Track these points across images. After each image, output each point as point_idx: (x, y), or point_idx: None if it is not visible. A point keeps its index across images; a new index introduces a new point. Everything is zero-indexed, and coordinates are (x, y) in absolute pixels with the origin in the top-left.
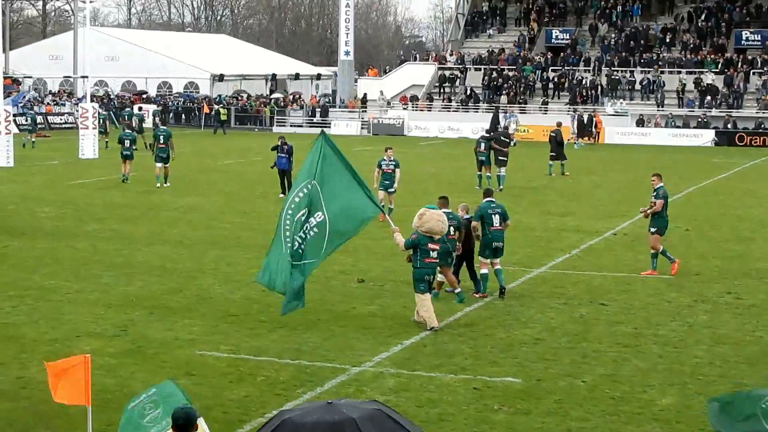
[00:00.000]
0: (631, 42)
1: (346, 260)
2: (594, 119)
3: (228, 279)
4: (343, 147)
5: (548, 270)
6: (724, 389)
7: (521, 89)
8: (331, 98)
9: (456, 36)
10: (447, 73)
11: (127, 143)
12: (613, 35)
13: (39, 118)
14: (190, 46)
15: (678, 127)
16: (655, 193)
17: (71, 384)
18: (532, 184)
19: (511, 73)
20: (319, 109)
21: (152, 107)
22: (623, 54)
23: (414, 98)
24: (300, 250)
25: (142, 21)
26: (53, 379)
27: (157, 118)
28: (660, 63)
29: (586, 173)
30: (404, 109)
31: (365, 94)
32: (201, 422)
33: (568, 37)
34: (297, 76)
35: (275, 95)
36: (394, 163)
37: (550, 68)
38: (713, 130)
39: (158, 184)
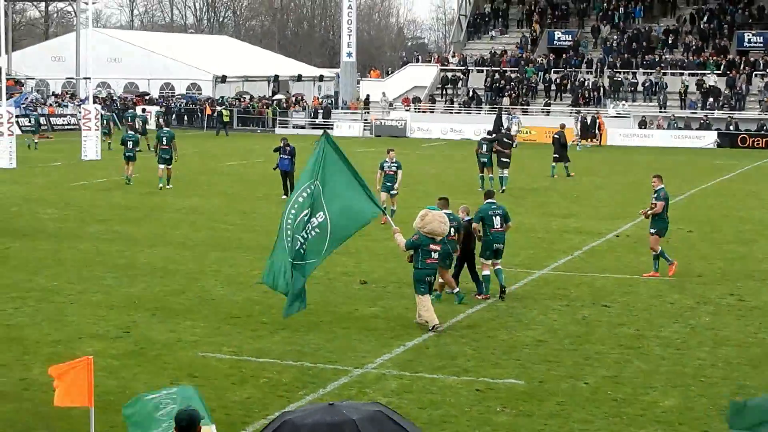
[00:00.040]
0: (634, 44)
1: (349, 262)
2: (597, 121)
3: (230, 281)
4: (345, 148)
5: (550, 272)
6: (726, 391)
7: (523, 91)
8: (333, 100)
9: (458, 37)
10: (449, 74)
11: (130, 145)
12: (615, 37)
13: (42, 120)
14: (193, 48)
15: (680, 128)
16: (655, 195)
17: (74, 385)
18: (534, 185)
19: (513, 75)
20: (322, 111)
21: (155, 109)
22: (625, 55)
23: (416, 100)
24: (302, 250)
25: (144, 22)
26: (57, 381)
27: (161, 119)
28: (662, 65)
29: (589, 175)
30: (406, 110)
31: (368, 96)
32: (213, 430)
33: (570, 38)
34: (299, 78)
35: (278, 97)
36: (396, 165)
37: (553, 70)
38: (715, 132)
39: (160, 185)
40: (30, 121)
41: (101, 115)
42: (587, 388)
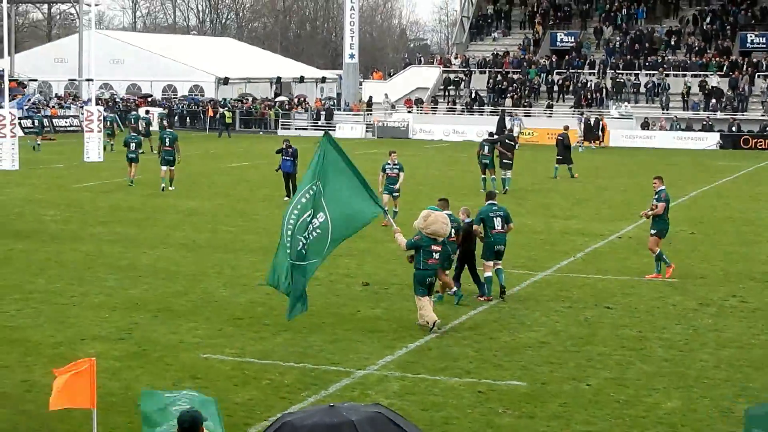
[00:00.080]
0: (636, 45)
1: (351, 263)
2: (600, 122)
3: (233, 282)
4: (347, 150)
5: (553, 273)
6: (729, 393)
7: (526, 92)
8: (335, 101)
9: (461, 39)
10: (452, 76)
11: (132, 146)
12: (617, 38)
13: (44, 121)
14: (195, 50)
15: (683, 130)
16: (656, 196)
17: (76, 387)
18: (536, 187)
19: (515, 76)
20: (324, 112)
21: (158, 110)
22: (628, 57)
23: (419, 101)
24: (303, 251)
25: (147, 24)
26: (57, 383)
27: (164, 121)
28: (665, 66)
29: (591, 176)
30: (409, 112)
31: (370, 97)
32: None
33: (572, 40)
34: (302, 79)
35: (280, 98)
36: (398, 166)
37: (555, 71)
38: (718, 133)
39: (162, 185)
40: (33, 123)
41: (104, 117)
42: (590, 390)
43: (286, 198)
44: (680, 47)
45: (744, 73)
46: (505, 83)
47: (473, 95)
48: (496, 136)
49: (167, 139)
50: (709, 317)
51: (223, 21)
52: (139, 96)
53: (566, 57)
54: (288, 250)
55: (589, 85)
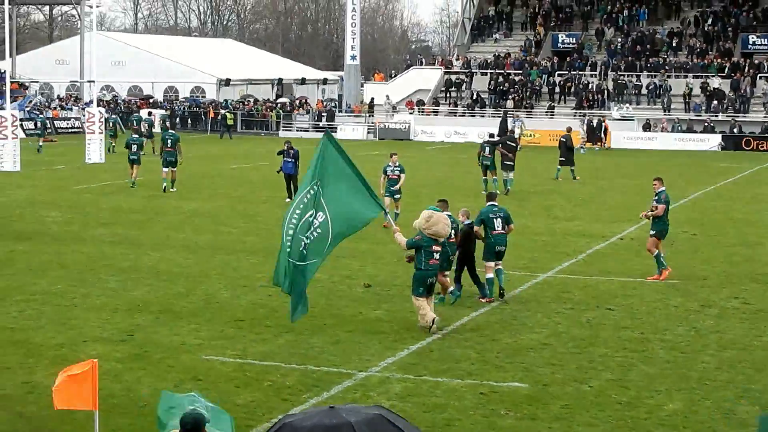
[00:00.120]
0: (638, 46)
1: (353, 265)
2: (603, 124)
3: (234, 284)
4: (349, 151)
5: (555, 275)
6: (731, 394)
7: (527, 94)
8: (337, 103)
9: (462, 40)
10: (453, 77)
11: (134, 148)
12: (619, 39)
13: (46, 123)
14: (197, 51)
15: (684, 131)
16: (656, 198)
17: (78, 389)
18: (538, 188)
19: (517, 78)
20: (326, 114)
21: (160, 112)
22: (630, 58)
23: (420, 103)
24: (304, 251)
25: (148, 26)
26: (59, 384)
27: (167, 122)
28: (666, 67)
29: (593, 178)
30: (410, 113)
31: (372, 99)
32: None
33: (574, 41)
34: (303, 81)
35: (281, 100)
36: (399, 168)
37: (557, 73)
38: (720, 135)
39: (164, 185)
40: (36, 125)
41: (106, 119)
42: (591, 392)
43: (288, 199)
44: (682, 49)
45: (746, 75)
46: (506, 85)
47: (474, 97)
48: (497, 138)
49: (169, 140)
50: (711, 319)
51: (225, 22)
52: (140, 97)
53: (567, 58)
54: (288, 250)
55: (590, 86)
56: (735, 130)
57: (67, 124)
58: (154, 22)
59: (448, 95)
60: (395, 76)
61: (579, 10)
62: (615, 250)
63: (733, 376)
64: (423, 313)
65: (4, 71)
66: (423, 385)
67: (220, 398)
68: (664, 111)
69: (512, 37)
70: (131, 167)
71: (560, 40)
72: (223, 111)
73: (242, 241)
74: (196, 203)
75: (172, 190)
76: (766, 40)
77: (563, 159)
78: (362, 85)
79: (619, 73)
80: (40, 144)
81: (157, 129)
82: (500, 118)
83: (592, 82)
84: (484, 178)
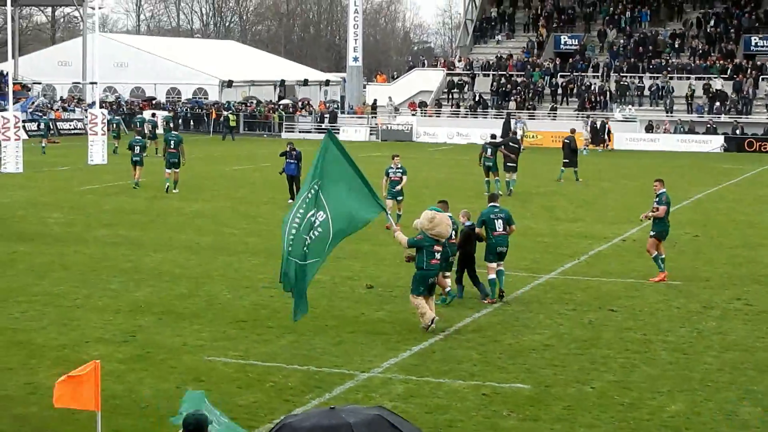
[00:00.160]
0: (640, 48)
1: (355, 266)
2: (606, 125)
3: (236, 285)
4: (351, 153)
5: (557, 276)
6: (733, 396)
7: (530, 95)
8: (339, 104)
9: (464, 42)
10: (455, 79)
11: (137, 149)
12: (621, 41)
13: (49, 124)
14: (199, 53)
15: (687, 132)
16: (657, 199)
17: (81, 389)
18: (540, 189)
19: (519, 79)
20: (328, 115)
21: (164, 113)
22: (632, 60)
23: (422, 104)
24: (305, 250)
25: (150, 27)
26: (60, 384)
27: (170, 123)
28: (669, 69)
29: (595, 179)
30: (413, 115)
31: (374, 100)
32: None
33: (576, 42)
34: (306, 82)
35: (284, 101)
36: (401, 170)
37: (559, 74)
38: (722, 136)
39: (167, 185)
40: (39, 126)
41: (108, 120)
42: (594, 393)
43: (290, 201)
44: (684, 50)
45: (748, 76)
46: (508, 86)
47: (477, 98)
48: (499, 139)
49: (172, 142)
50: (713, 320)
51: (227, 24)
52: (143, 99)
53: (570, 60)
54: (290, 249)
55: (593, 88)
56: (737, 132)
57: (70, 125)
58: (156, 23)
59: (450, 97)
60: (398, 77)
61: (581, 12)
62: (617, 252)
63: (736, 377)
64: (422, 312)
65: (7, 73)
66: (425, 386)
67: (222, 399)
68: (667, 112)
69: (515, 39)
70: (134, 168)
71: (563, 42)
72: (225, 112)
73: (244, 242)
74: (199, 204)
75: (174, 191)
76: None
77: (567, 160)
78: (365, 87)
79: (621, 74)
80: (43, 145)
81: (161, 130)
82: (503, 120)
83: (595, 84)
84: (487, 179)
